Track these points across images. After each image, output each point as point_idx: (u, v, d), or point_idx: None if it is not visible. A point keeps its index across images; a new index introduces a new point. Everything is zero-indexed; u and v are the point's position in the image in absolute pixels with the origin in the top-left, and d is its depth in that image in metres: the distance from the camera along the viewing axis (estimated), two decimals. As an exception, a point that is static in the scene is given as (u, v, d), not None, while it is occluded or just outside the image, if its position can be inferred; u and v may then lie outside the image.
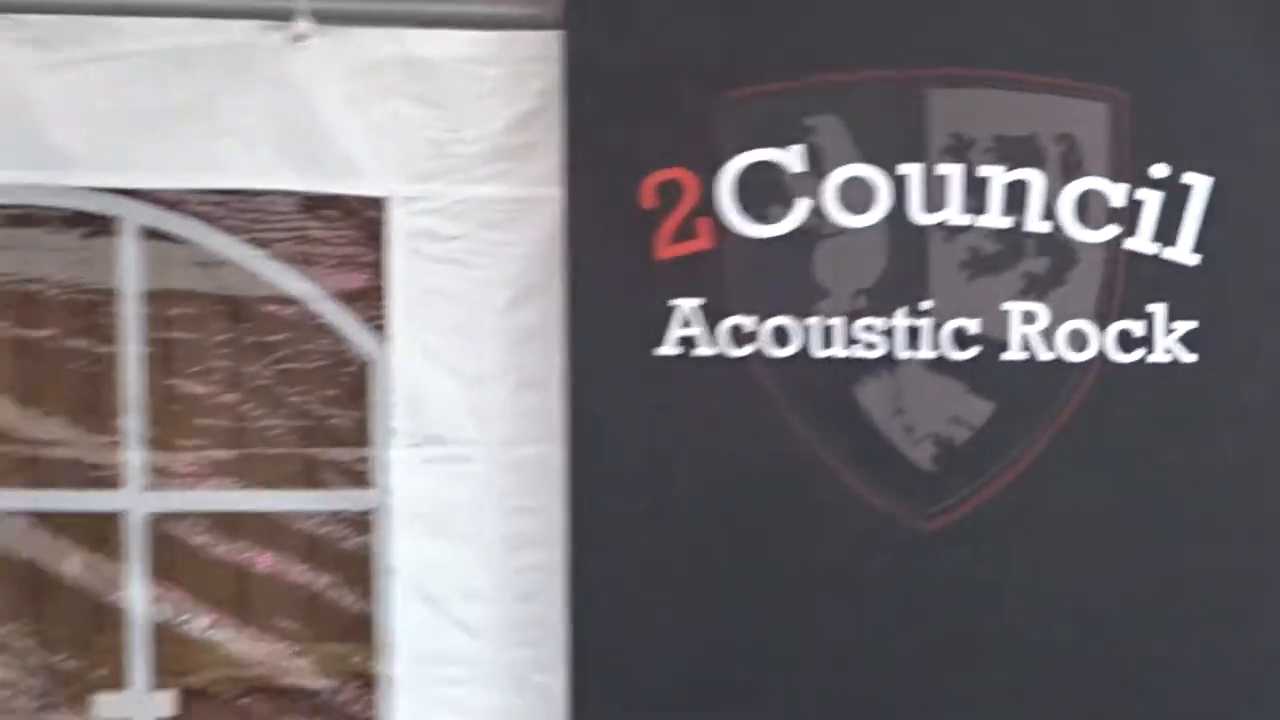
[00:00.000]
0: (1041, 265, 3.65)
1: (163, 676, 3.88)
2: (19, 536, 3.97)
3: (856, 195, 3.65)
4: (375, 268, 3.83)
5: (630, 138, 3.64)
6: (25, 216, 3.87)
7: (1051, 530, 3.67)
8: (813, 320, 3.65)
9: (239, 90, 3.71)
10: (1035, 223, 3.65)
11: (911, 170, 3.63)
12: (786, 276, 3.66)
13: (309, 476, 3.99)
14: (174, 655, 3.93)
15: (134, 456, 3.87)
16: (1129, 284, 3.63)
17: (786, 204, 3.64)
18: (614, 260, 3.65)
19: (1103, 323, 3.64)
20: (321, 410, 4.00)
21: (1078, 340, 3.65)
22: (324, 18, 3.66)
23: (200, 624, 4.01)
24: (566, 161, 3.67)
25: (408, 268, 3.80)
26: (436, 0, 3.72)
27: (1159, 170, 3.62)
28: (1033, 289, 3.65)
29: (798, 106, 3.63)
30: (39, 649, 4.01)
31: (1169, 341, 3.62)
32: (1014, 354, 3.65)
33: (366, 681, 3.94)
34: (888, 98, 3.63)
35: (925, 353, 3.65)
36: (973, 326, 3.65)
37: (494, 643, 3.84)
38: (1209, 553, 3.67)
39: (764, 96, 3.63)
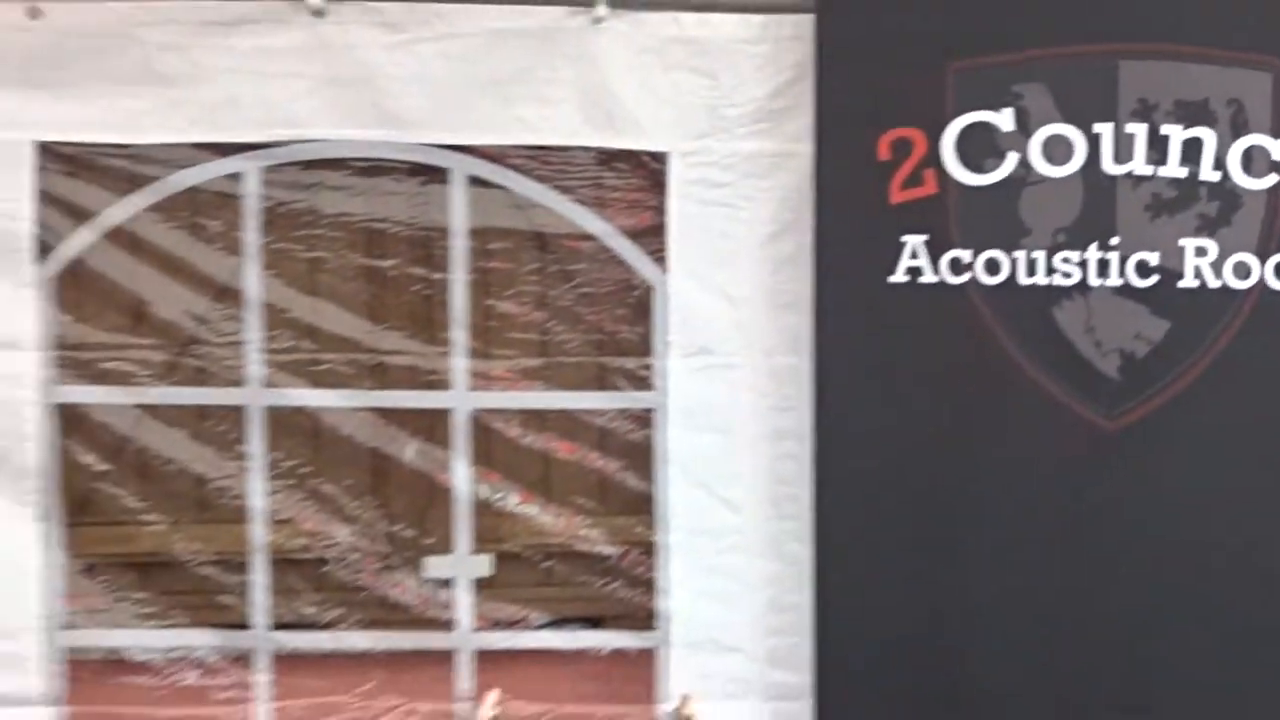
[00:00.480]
0: (1212, 208, 4.09)
1: (481, 543, 4.37)
2: (368, 428, 4.41)
3: (1057, 150, 4.08)
4: (658, 209, 4.28)
5: (869, 102, 4.08)
6: (374, 167, 4.30)
7: (1218, 429, 4.11)
8: (1019, 253, 4.10)
9: (548, 64, 4.19)
10: (1207, 173, 4.09)
11: (1104, 129, 4.08)
12: (997, 217, 4.10)
13: (601, 380, 4.41)
14: (491, 525, 4.41)
15: (460, 363, 4.32)
16: (1286, 223, 4.08)
17: (999, 157, 4.09)
18: (854, 203, 4.09)
19: (1263, 256, 4.10)
20: (611, 326, 4.41)
21: (1241, 270, 4.10)
22: (618, 4, 4.15)
23: (512, 500, 4.44)
24: (817, 122, 4.10)
25: (685, 209, 4.25)
26: (711, -10, 4.19)
27: (1314, 129, 4.06)
28: (1204, 228, 4.09)
29: (1009, 76, 4.07)
30: (382, 520, 4.47)
31: (1321, 272, 4.09)
32: (1188, 282, 4.10)
33: (647, 549, 4.37)
34: (1085, 68, 4.05)
35: (1113, 280, 4.10)
36: (1153, 259, 4.10)
37: (754, 517, 4.29)
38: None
39: (982, 68, 4.07)
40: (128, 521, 4.43)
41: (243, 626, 4.39)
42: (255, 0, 4.17)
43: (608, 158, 4.32)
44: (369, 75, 4.21)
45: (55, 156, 4.24)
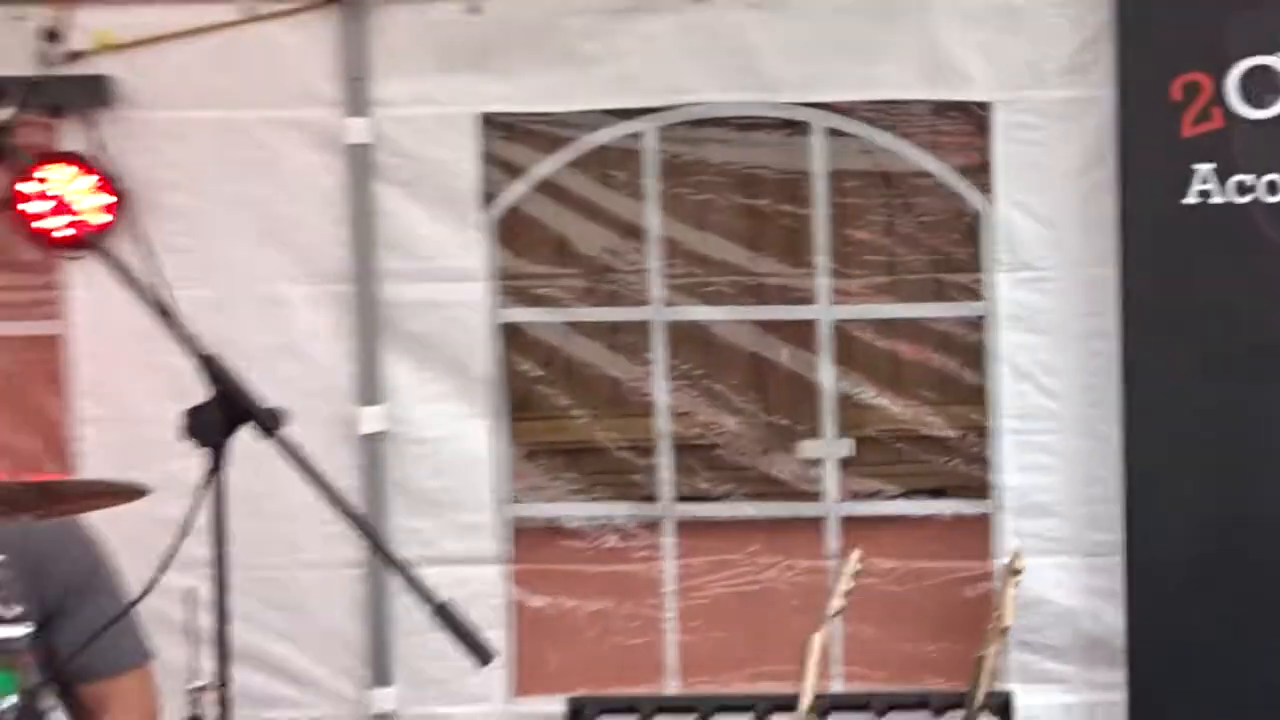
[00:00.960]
0: None
1: (844, 429, 4.67)
2: (749, 337, 4.71)
3: (1327, 86, 4.24)
4: (983, 149, 4.52)
5: (1163, 51, 4.30)
6: (749, 123, 4.62)
7: None
8: (1296, 175, 4.27)
9: (890, 31, 4.48)
10: None
11: (1367, 67, 4.23)
12: (1276, 145, 4.30)
13: (938, 293, 4.65)
14: (851, 414, 4.69)
15: (823, 282, 4.63)
16: None
17: (1276, 94, 4.30)
18: (1152, 138, 4.31)
19: None
20: (947, 248, 4.63)
21: None
22: None
23: (869, 392, 4.70)
24: (1118, 71, 4.34)
25: (1007, 149, 4.49)
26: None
27: None
28: None
29: (1285, 23, 4.23)
30: (762, 411, 4.73)
31: None
32: None
33: (980, 432, 4.62)
34: (1350, 14, 4.22)
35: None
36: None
37: (1069, 404, 4.52)
38: None
39: (1260, 18, 4.29)
40: (559, 416, 4.74)
41: (652, 499, 4.73)
42: (647, -8, 4.55)
43: (942, 108, 4.56)
44: (743, 47, 4.53)
45: (495, 124, 4.62)
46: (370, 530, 2.66)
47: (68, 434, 4.76)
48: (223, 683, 2.61)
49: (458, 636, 2.58)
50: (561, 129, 4.63)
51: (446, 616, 2.56)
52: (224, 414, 2.55)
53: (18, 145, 4.29)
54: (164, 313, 2.64)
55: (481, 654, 2.57)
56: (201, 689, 2.92)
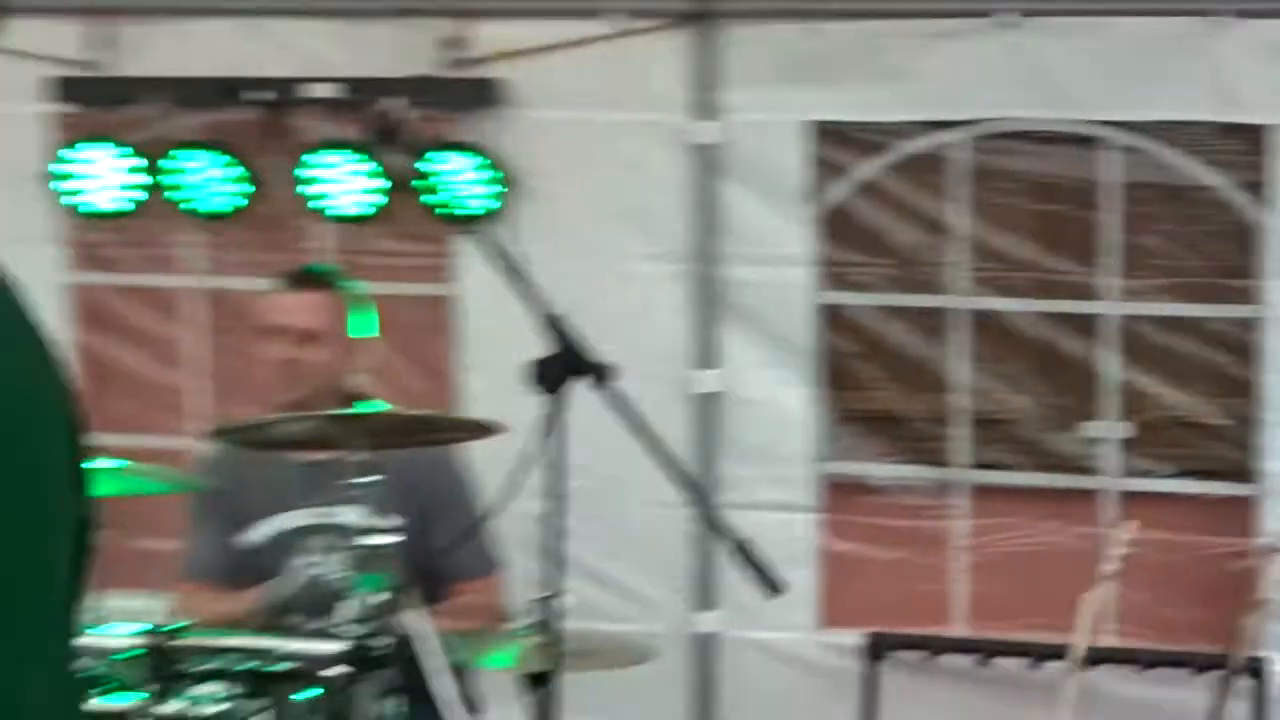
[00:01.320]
0: None
1: (1124, 412, 4.77)
2: (1042, 327, 4.75)
3: None
4: (1262, 167, 4.58)
5: None
6: (1049, 137, 4.70)
7: None
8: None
9: (1178, 59, 4.57)
10: None
11: None
12: None
13: (1215, 295, 4.72)
14: (1132, 399, 4.75)
15: (1110, 281, 4.74)
16: None
17: None
18: None
19: None
20: (1225, 255, 4.69)
21: None
22: (1240, 13, 4.48)
23: (1147, 381, 4.72)
24: None
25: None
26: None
27: None
28: None
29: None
30: (1050, 393, 4.79)
31: None
32: None
33: (1248, 422, 4.67)
34: None
35: None
36: None
37: None
38: None
39: None
40: (869, 388, 4.92)
41: (947, 465, 4.90)
42: (963, 19, 4.70)
43: (1224, 128, 4.61)
44: (1045, 70, 4.66)
45: (822, 131, 4.83)
46: (683, 471, 2.92)
47: (454, 380, 5.20)
48: (557, 593, 2.98)
49: (753, 569, 2.85)
50: (882, 137, 4.79)
51: (744, 552, 2.84)
52: (563, 366, 2.86)
53: (414, 135, 4.75)
54: (521, 279, 2.93)
55: (772, 586, 2.82)
56: (546, 598, 3.29)
